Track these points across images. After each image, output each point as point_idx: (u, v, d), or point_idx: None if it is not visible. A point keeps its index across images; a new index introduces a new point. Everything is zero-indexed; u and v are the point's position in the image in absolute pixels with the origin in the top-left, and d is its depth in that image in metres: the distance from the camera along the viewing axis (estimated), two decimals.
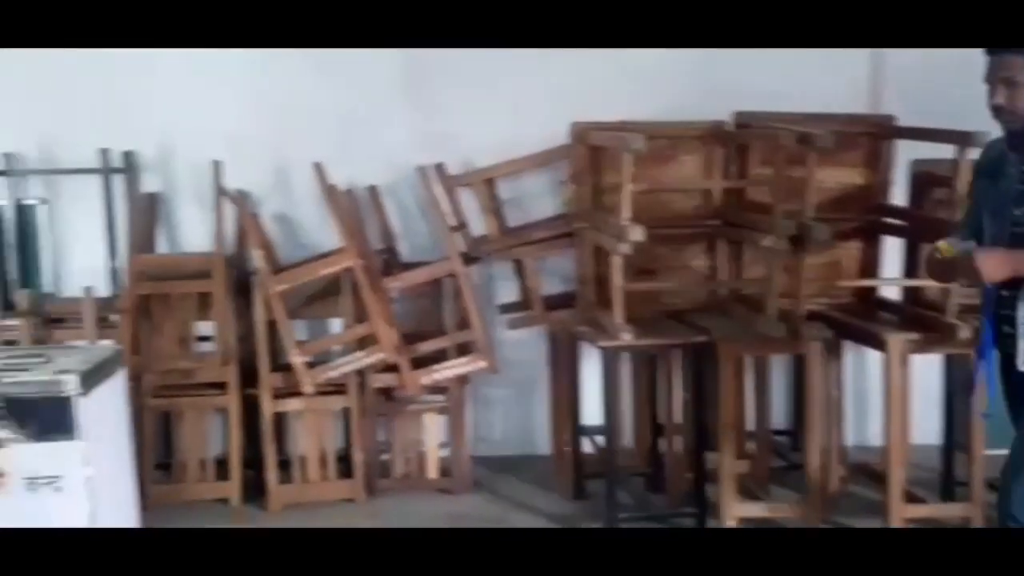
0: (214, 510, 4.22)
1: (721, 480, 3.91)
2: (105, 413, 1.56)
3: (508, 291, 4.71)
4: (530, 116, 4.53)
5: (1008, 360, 2.66)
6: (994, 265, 2.54)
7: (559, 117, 4.34)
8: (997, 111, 2.52)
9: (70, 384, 1.45)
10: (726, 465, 3.90)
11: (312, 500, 4.31)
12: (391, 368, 4.30)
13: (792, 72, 4.36)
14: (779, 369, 4.58)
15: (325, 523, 4.21)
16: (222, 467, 4.35)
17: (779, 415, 4.63)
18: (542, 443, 4.85)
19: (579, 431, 4.40)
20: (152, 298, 4.34)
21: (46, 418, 1.45)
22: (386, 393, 4.44)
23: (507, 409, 4.92)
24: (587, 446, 4.45)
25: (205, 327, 4.43)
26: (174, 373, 4.27)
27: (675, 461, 4.21)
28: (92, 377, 1.50)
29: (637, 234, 3.62)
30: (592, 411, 4.41)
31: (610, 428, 3.99)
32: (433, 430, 4.47)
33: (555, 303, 4.50)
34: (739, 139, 4.26)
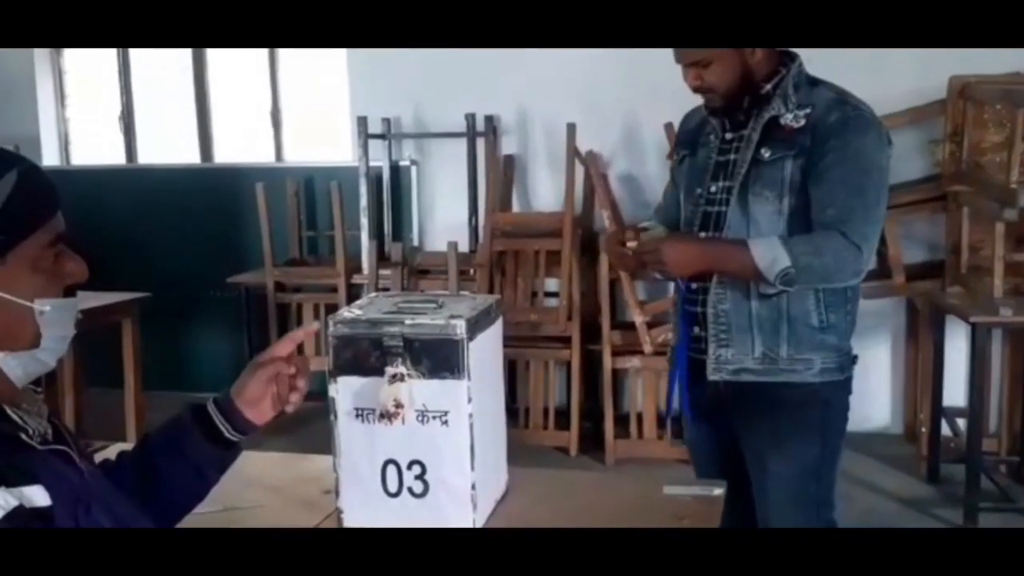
0: (554, 458, 4.21)
1: None
2: (485, 356, 1.55)
3: None
4: (897, 70, 4.02)
5: (698, 366, 2.11)
6: (683, 257, 2.01)
7: (930, 71, 3.82)
8: (695, 91, 2.08)
9: (460, 328, 1.46)
10: None
11: (647, 457, 4.17)
12: None
13: None
14: None
15: (658, 481, 4.13)
16: (562, 417, 4.34)
17: None
18: (889, 420, 4.39)
19: (939, 411, 3.90)
20: (506, 253, 4.40)
21: (438, 358, 1.46)
22: None
23: (853, 382, 4.47)
24: (944, 428, 3.93)
25: (552, 283, 4.44)
26: (523, 325, 4.29)
27: None
28: (477, 323, 1.51)
29: None
30: (954, 391, 3.89)
31: (975, 410, 3.48)
32: None
33: (917, 272, 3.99)
34: None
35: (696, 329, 2.11)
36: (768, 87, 2.03)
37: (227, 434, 1.30)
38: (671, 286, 4.06)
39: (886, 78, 4.03)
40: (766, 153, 2.01)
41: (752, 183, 2.01)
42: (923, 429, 3.92)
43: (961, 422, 3.84)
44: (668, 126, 4.08)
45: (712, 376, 2.09)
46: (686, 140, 2.21)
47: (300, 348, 1.38)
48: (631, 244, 2.06)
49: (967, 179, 3.66)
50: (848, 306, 2.08)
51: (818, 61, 4.32)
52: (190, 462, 1.28)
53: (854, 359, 2.13)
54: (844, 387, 2.11)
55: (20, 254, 1.00)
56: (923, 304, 3.93)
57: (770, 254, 1.94)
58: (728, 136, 2.09)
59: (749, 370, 2.06)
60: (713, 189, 2.08)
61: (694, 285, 2.10)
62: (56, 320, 1.04)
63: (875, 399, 4.44)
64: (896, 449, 4.16)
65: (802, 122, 1.99)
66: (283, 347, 1.34)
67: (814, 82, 2.06)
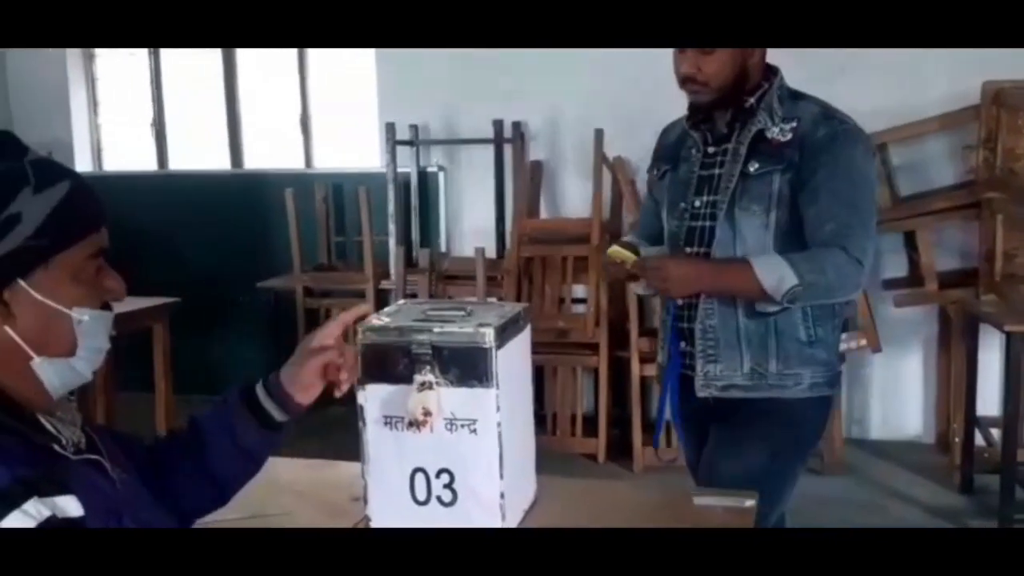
0: (582, 465, 4.19)
1: None
2: (513, 364, 1.54)
3: (895, 265, 4.20)
4: (929, 75, 3.98)
5: (687, 382, 2.10)
6: (685, 278, 1.99)
7: (963, 76, 3.77)
8: (685, 81, 2.03)
9: (488, 337, 1.45)
10: None
11: (675, 465, 4.14)
12: None
13: None
14: None
15: (688, 490, 4.12)
16: (590, 424, 4.32)
17: None
18: (921, 429, 4.34)
19: (973, 420, 3.84)
20: (534, 260, 4.39)
21: (466, 366, 1.45)
22: None
23: (884, 391, 4.41)
24: (978, 438, 3.87)
25: (580, 289, 4.43)
26: (550, 331, 4.28)
27: None
28: (505, 331, 1.49)
29: None
30: (987, 400, 3.83)
31: (1010, 419, 3.41)
32: None
33: (950, 280, 3.93)
34: None
35: (684, 345, 2.09)
36: (752, 100, 2.01)
37: (278, 418, 1.32)
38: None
39: (919, 83, 4.00)
40: (753, 167, 1.99)
41: (739, 197, 1.99)
42: (956, 439, 3.86)
43: (995, 432, 3.78)
44: None
45: (701, 393, 2.06)
46: (667, 155, 2.18)
47: (345, 335, 1.39)
48: (626, 262, 2.03)
49: (1001, 186, 3.60)
50: (836, 320, 2.06)
51: (852, 66, 4.29)
52: (241, 446, 1.31)
53: (839, 375, 2.11)
54: (829, 404, 2.10)
55: (63, 261, 1.02)
56: (956, 312, 3.88)
57: (776, 273, 1.91)
58: (710, 150, 2.07)
59: (738, 386, 2.03)
60: (697, 203, 2.06)
61: (680, 301, 2.07)
62: (92, 331, 1.05)
63: (907, 408, 4.38)
64: (928, 459, 4.11)
65: (788, 136, 1.97)
66: (332, 332, 1.35)
67: (797, 96, 2.04)
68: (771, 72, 2.04)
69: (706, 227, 2.03)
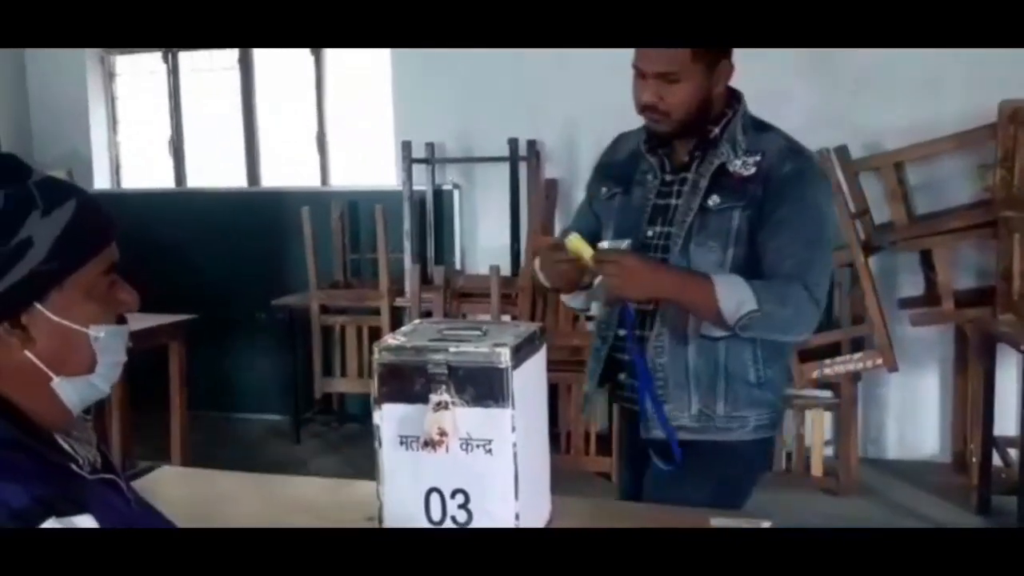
0: (596, 484, 4.16)
1: None
2: (529, 385, 1.54)
3: (911, 284, 4.17)
4: (946, 94, 3.96)
5: (630, 416, 2.01)
6: (640, 277, 1.82)
7: (982, 95, 3.75)
8: (644, 109, 1.92)
9: (504, 357, 1.45)
10: None
11: None
12: None
13: None
14: None
15: (704, 511, 4.08)
16: (604, 442, 4.29)
17: None
18: (937, 449, 4.30)
19: (990, 440, 3.80)
20: None
21: (482, 386, 1.45)
22: None
23: (901, 411, 4.38)
24: (995, 458, 3.84)
25: (594, 307, 4.40)
26: (565, 349, 4.26)
27: None
28: (521, 351, 1.49)
29: None
30: (1004, 420, 3.79)
31: None
32: (819, 427, 4.09)
33: (967, 299, 3.90)
34: None
35: (623, 376, 2.00)
36: (716, 131, 1.92)
37: None
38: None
39: (936, 102, 3.99)
40: (714, 201, 1.90)
41: (696, 232, 1.90)
42: (973, 459, 3.82)
43: (1013, 452, 3.75)
44: None
45: (644, 435, 1.97)
46: (617, 174, 2.06)
47: None
48: (584, 252, 1.85)
49: (1018, 205, 3.59)
50: (784, 360, 2.02)
51: (869, 85, 4.26)
52: None
53: (782, 415, 2.09)
54: (772, 444, 2.07)
55: (77, 281, 1.03)
56: (973, 331, 3.85)
57: (736, 295, 1.82)
58: (668, 178, 1.97)
59: (685, 428, 1.94)
60: (650, 233, 1.95)
61: (622, 332, 1.97)
62: (110, 346, 1.06)
63: (924, 428, 4.35)
64: (945, 479, 4.07)
65: (752, 170, 1.88)
66: None
67: (761, 126, 1.95)
68: (735, 99, 1.95)
69: (656, 259, 1.93)
